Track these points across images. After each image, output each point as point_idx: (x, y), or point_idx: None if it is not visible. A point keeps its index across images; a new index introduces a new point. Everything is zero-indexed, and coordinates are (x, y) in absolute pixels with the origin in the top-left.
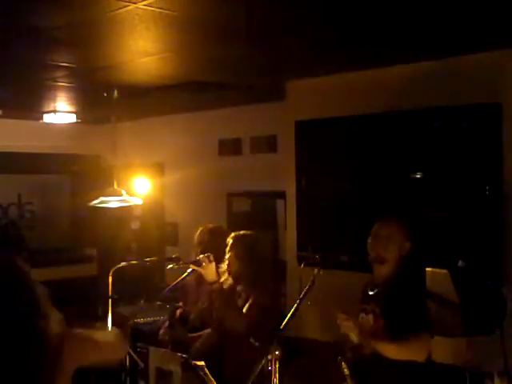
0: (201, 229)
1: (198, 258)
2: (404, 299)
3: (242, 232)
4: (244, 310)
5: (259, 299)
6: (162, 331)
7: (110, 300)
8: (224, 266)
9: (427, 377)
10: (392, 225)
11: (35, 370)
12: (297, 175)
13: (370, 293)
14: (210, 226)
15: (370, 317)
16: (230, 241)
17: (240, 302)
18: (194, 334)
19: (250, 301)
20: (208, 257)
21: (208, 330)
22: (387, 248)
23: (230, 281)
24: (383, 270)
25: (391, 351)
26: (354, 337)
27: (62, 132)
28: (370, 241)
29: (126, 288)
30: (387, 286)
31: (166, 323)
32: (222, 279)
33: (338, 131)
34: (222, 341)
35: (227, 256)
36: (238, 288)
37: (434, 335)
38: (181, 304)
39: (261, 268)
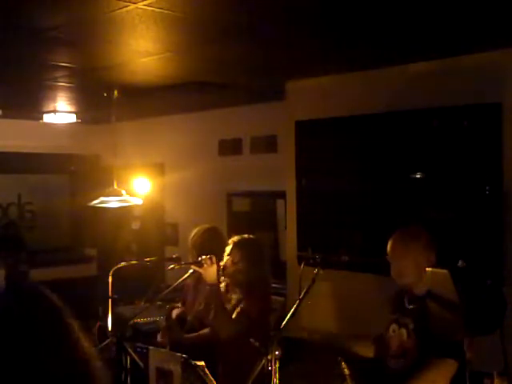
0: (196, 230)
1: (200, 259)
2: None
3: (243, 237)
4: (233, 316)
5: (248, 308)
6: (159, 335)
7: (109, 300)
8: (221, 264)
9: None
10: (408, 247)
11: None
12: (297, 175)
13: (409, 306)
14: (206, 226)
15: (404, 331)
16: (229, 245)
17: (228, 306)
18: (192, 335)
19: (239, 308)
20: (210, 258)
21: (205, 330)
22: (408, 273)
23: (224, 283)
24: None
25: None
26: None
27: (62, 132)
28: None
29: (126, 288)
30: (426, 303)
31: (164, 324)
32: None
33: (338, 131)
34: (221, 341)
35: (224, 260)
36: (233, 296)
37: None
38: (178, 304)
39: (257, 277)
